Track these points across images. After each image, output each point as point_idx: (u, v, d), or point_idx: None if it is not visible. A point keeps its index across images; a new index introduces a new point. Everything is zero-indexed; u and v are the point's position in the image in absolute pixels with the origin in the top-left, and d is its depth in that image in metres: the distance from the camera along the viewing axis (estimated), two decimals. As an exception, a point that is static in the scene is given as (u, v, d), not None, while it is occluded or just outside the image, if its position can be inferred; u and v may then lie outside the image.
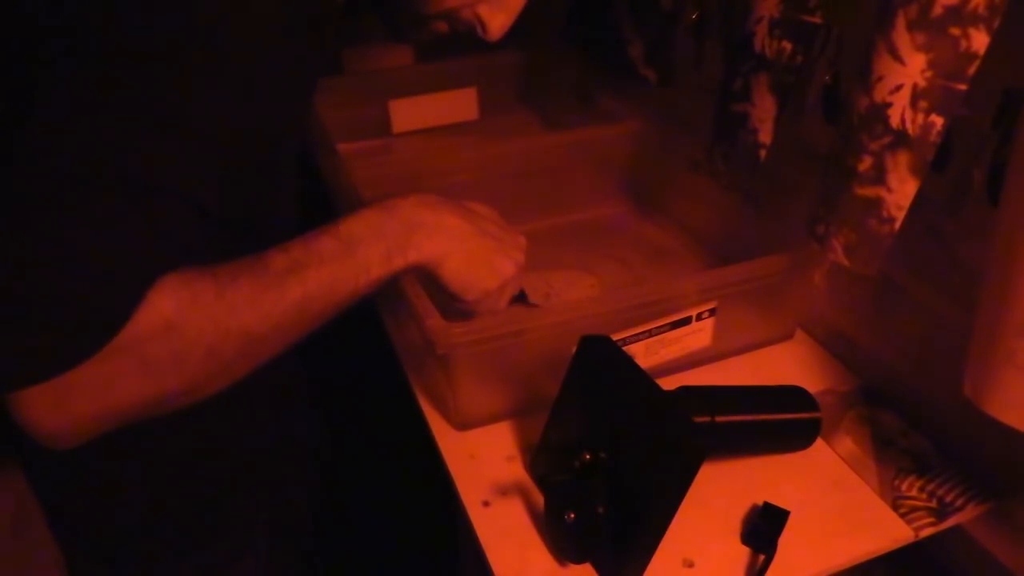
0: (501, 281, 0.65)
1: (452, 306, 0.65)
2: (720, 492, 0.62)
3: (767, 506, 0.61)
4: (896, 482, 0.64)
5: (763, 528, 0.59)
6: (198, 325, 0.47)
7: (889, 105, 0.53)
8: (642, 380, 0.57)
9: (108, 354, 0.43)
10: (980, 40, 0.49)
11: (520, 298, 0.79)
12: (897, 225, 0.56)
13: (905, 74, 0.51)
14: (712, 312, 0.72)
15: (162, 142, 0.45)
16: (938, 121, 0.52)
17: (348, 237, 0.56)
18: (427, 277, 0.63)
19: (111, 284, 0.43)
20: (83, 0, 0.46)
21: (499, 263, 0.64)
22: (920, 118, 0.52)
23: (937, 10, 0.49)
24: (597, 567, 0.57)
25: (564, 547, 0.57)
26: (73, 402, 0.44)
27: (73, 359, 0.42)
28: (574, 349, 0.61)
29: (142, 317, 0.44)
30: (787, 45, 0.66)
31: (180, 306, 0.46)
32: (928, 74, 0.51)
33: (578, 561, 0.57)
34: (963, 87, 0.50)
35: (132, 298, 0.44)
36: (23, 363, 0.42)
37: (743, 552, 0.59)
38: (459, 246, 0.62)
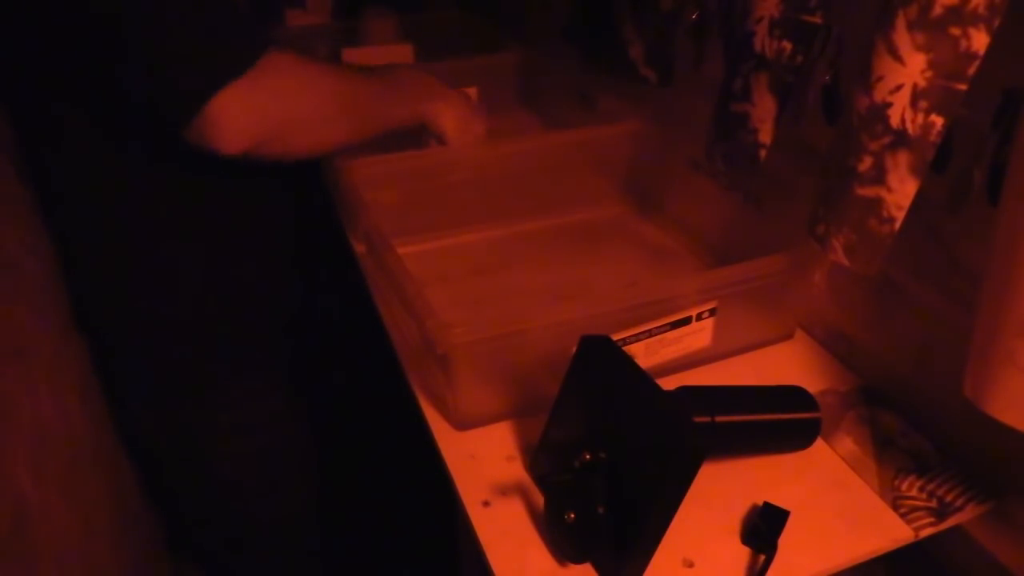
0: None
1: None
2: (720, 492, 0.62)
3: (767, 506, 0.61)
4: (896, 482, 0.64)
5: (763, 528, 0.59)
6: (308, 71, 0.74)
7: (889, 105, 0.53)
8: (642, 380, 0.57)
9: (260, 70, 0.66)
10: (980, 40, 0.49)
11: None
12: (897, 225, 0.56)
13: (905, 74, 0.51)
14: (712, 312, 0.72)
15: None
16: (938, 121, 0.52)
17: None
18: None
19: (252, 27, 0.69)
20: None
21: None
22: (920, 118, 0.52)
23: (937, 10, 0.49)
24: (597, 567, 0.57)
25: (564, 547, 0.57)
26: (251, 102, 0.66)
27: (245, 65, 0.66)
28: (574, 349, 0.61)
29: (274, 52, 0.68)
30: (787, 45, 0.66)
31: (297, 57, 0.72)
32: (928, 74, 0.51)
33: (578, 561, 0.57)
34: (963, 87, 0.50)
35: (265, 39, 0.68)
36: (217, 71, 0.65)
37: (743, 552, 0.59)
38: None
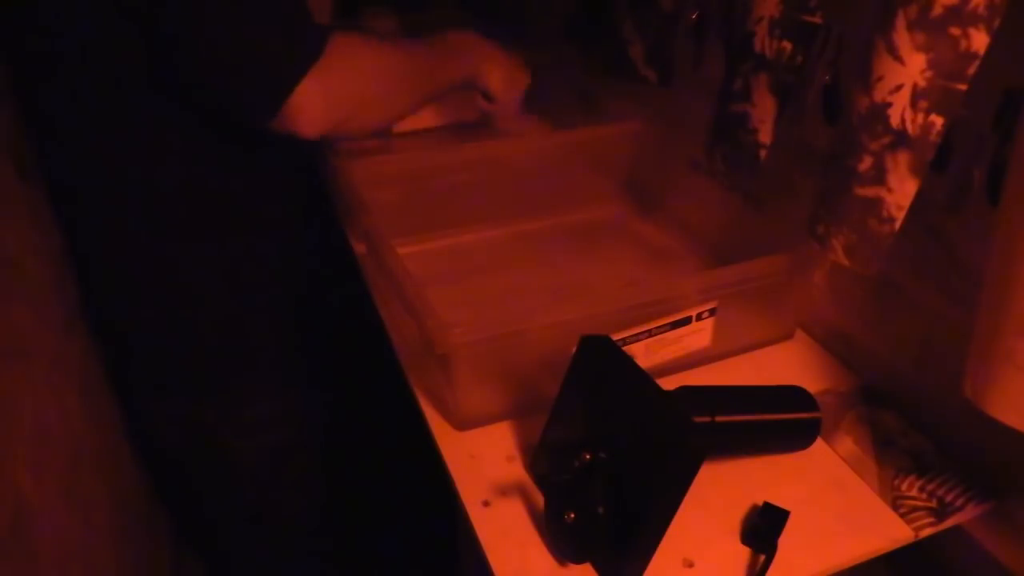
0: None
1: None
2: (720, 492, 0.62)
3: (767, 506, 0.61)
4: (896, 482, 0.64)
5: (763, 528, 0.59)
6: (374, 49, 0.75)
7: (889, 105, 0.53)
8: (642, 380, 0.57)
9: (332, 54, 0.68)
10: (980, 40, 0.49)
11: None
12: (897, 225, 0.56)
13: (905, 74, 0.51)
14: (712, 312, 0.72)
15: None
16: (938, 121, 0.52)
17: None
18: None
19: (312, 22, 0.69)
20: None
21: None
22: (920, 118, 0.52)
23: (937, 10, 0.49)
24: (597, 567, 0.57)
25: (564, 547, 0.57)
26: (329, 87, 0.68)
27: (318, 51, 0.67)
28: (574, 349, 0.61)
29: (339, 35, 0.70)
30: (787, 45, 0.66)
31: (360, 37, 0.74)
32: (928, 74, 0.51)
33: (578, 561, 0.57)
34: (963, 87, 0.50)
35: (327, 30, 0.70)
36: (297, 61, 0.66)
37: (743, 552, 0.59)
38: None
